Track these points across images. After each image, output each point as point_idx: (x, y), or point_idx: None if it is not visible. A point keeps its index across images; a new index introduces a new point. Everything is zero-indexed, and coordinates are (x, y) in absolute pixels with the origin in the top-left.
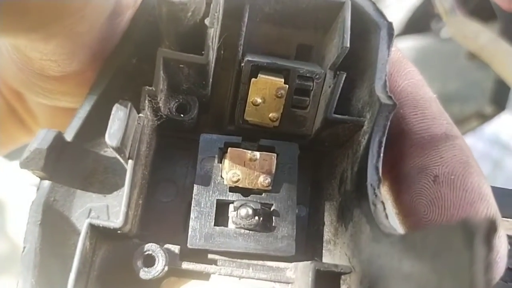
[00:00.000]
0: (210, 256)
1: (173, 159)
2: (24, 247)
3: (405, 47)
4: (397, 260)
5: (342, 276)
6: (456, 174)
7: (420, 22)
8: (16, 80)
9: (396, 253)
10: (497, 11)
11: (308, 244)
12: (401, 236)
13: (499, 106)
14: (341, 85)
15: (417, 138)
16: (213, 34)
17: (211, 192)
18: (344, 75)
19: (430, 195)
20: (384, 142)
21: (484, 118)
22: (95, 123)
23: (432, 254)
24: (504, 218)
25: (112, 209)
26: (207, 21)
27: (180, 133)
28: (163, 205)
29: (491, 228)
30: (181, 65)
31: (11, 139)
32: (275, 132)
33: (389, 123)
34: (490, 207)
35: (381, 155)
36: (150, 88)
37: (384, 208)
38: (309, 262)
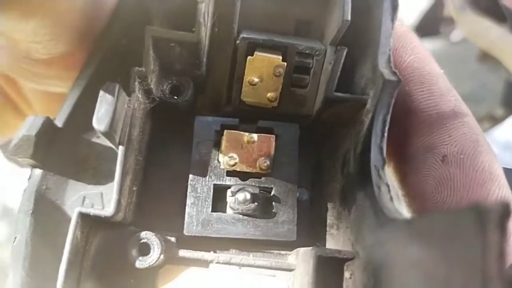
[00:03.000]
0: (208, 242)
1: (169, 143)
2: (15, 238)
3: None
4: (403, 247)
5: (347, 263)
6: (465, 153)
7: (429, 26)
8: (5, 65)
9: (401, 239)
10: (507, 13)
11: (310, 229)
12: (407, 221)
13: (510, 108)
14: (342, 61)
15: (423, 116)
16: (205, 10)
17: (207, 177)
18: (345, 50)
19: (438, 176)
20: (388, 120)
21: (496, 120)
22: (87, 108)
23: (440, 241)
24: None
25: (107, 196)
26: None
27: (175, 115)
28: (159, 191)
29: (505, 212)
30: (171, 44)
31: (6, 126)
32: (275, 113)
33: (393, 101)
34: (502, 187)
35: (385, 134)
36: (140, 69)
37: (389, 191)
38: (310, 248)
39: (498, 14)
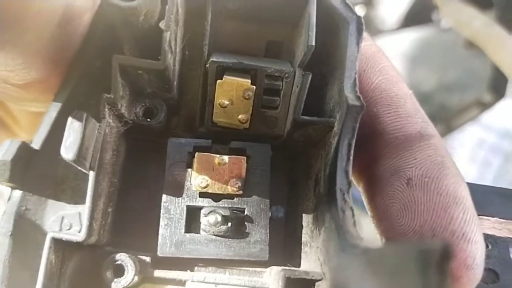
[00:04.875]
0: (184, 261)
1: (145, 163)
2: None
3: (405, 40)
4: (360, 274)
5: (316, 283)
6: (430, 176)
7: (420, 14)
8: None
9: (359, 266)
10: None
11: (286, 246)
12: (364, 250)
13: (498, 93)
14: (307, 86)
15: (390, 138)
16: (172, 36)
17: (180, 198)
18: (310, 76)
19: (403, 199)
20: (353, 144)
21: (484, 106)
22: (63, 130)
23: (388, 273)
24: (484, 217)
25: (85, 215)
26: (162, 24)
27: (150, 136)
28: (135, 210)
29: (445, 254)
30: (139, 71)
31: None
32: (247, 133)
33: (357, 125)
34: (465, 210)
35: (351, 158)
36: (109, 95)
37: (353, 215)
38: (280, 268)
39: (484, 1)
